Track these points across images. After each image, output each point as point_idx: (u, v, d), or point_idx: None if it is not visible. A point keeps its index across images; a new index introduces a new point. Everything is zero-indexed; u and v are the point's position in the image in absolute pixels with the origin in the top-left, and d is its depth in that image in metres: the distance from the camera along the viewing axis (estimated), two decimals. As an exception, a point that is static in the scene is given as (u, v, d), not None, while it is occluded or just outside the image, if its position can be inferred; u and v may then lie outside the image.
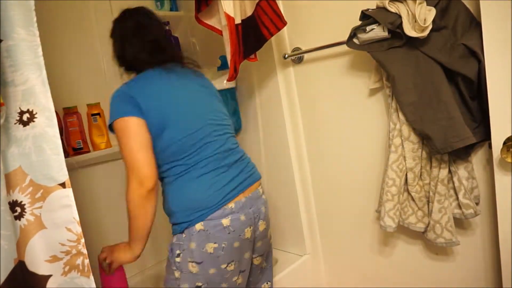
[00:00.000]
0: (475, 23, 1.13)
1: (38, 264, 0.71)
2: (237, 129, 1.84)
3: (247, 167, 1.25)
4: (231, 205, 1.15)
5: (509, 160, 1.03)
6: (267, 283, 1.41)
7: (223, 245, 1.14)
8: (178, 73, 1.22)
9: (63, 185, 0.72)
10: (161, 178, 1.19)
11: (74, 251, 0.73)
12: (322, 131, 1.63)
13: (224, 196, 1.15)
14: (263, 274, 1.40)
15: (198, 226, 1.13)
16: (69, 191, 0.73)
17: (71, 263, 0.73)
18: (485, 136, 1.16)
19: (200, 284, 1.15)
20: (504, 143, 1.04)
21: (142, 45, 1.21)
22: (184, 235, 1.14)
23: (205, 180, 1.14)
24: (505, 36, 1.00)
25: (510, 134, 1.04)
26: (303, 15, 1.55)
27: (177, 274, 1.16)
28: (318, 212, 1.76)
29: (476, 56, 1.09)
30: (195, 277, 1.14)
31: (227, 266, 1.16)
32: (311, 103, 1.64)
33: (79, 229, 0.74)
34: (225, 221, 1.14)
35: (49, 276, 0.71)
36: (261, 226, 1.25)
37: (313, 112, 1.64)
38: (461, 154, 1.24)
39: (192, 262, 1.14)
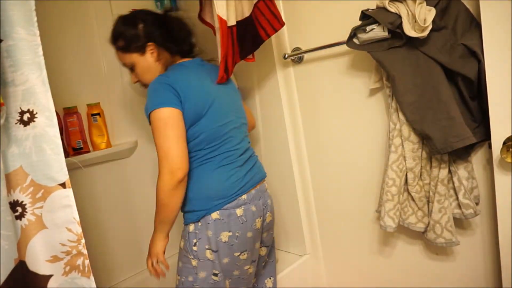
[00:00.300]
0: (475, 23, 1.13)
1: (39, 264, 0.71)
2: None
3: (257, 164, 1.35)
4: (244, 196, 1.23)
5: (509, 160, 1.03)
6: (270, 278, 1.46)
7: (237, 234, 1.20)
8: (209, 68, 1.32)
9: (63, 185, 0.73)
10: None
11: (74, 252, 0.73)
12: (322, 131, 1.63)
13: (239, 188, 1.22)
14: (265, 269, 1.45)
15: (214, 215, 1.18)
16: (69, 191, 0.73)
17: (72, 263, 0.73)
18: (485, 136, 1.16)
19: (216, 272, 1.20)
20: (504, 143, 1.05)
21: (183, 36, 1.32)
22: (200, 224, 1.20)
23: (224, 171, 1.22)
24: (505, 36, 1.00)
25: (510, 134, 1.04)
26: (303, 15, 1.55)
27: (194, 262, 1.20)
28: (318, 212, 1.76)
29: (476, 56, 1.09)
30: (213, 264, 1.20)
31: (240, 254, 1.22)
32: (311, 103, 1.64)
33: (79, 229, 0.74)
34: (239, 211, 1.21)
35: (50, 276, 0.71)
36: (268, 217, 1.33)
37: (313, 112, 1.64)
38: (461, 154, 1.24)
39: (209, 249, 1.19)
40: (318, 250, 1.80)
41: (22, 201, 0.70)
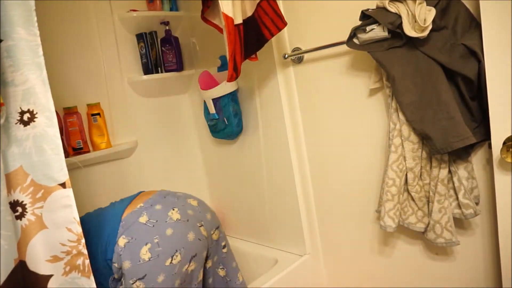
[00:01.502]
0: (475, 23, 1.13)
1: (39, 264, 0.71)
2: (239, 131, 1.84)
3: None
4: (140, 204, 1.13)
5: (509, 160, 1.03)
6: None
7: (156, 240, 1.04)
8: None
9: (63, 185, 0.73)
10: None
11: (74, 251, 0.73)
12: (322, 131, 1.63)
13: None
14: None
15: (121, 241, 1.04)
16: (69, 191, 0.73)
17: (72, 263, 0.73)
18: (485, 136, 1.16)
19: None
20: (504, 143, 1.05)
21: None
22: (114, 263, 1.05)
23: None
24: (505, 36, 1.00)
25: (510, 134, 1.04)
26: (303, 15, 1.55)
27: None
28: (318, 212, 1.76)
29: (476, 56, 1.09)
30: None
31: (171, 260, 1.05)
32: (311, 103, 1.64)
33: (79, 229, 0.74)
34: (142, 219, 1.08)
35: (50, 276, 0.71)
36: (193, 202, 1.24)
37: (313, 112, 1.64)
38: (461, 154, 1.24)
39: (135, 281, 1.02)
40: (318, 250, 1.80)
41: (22, 201, 0.70)
